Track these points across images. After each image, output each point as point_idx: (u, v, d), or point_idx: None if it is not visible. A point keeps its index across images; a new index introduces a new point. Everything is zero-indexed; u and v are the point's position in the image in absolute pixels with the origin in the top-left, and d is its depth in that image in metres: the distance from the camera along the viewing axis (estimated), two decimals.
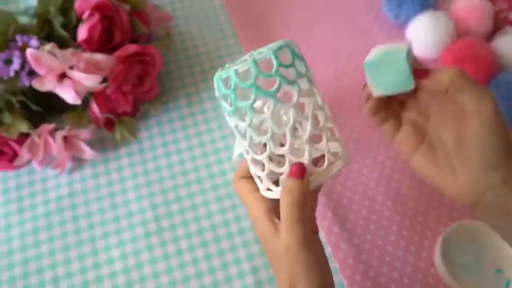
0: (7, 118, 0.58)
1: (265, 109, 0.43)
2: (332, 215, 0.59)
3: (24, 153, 0.60)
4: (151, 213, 0.60)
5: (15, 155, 0.61)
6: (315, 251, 0.40)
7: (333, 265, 0.56)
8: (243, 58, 0.42)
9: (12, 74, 0.56)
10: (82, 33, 0.58)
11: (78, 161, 0.64)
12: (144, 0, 0.65)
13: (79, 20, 0.59)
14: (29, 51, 0.54)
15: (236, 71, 0.38)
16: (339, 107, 0.67)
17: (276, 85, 0.37)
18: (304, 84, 0.40)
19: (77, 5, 0.59)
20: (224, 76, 0.39)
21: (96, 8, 0.58)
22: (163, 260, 0.57)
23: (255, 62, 0.37)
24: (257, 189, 0.44)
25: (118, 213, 0.60)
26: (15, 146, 0.60)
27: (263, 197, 0.43)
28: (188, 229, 0.59)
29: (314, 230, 0.44)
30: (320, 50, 0.73)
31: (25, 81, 0.56)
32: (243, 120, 0.39)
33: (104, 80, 0.58)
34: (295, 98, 0.38)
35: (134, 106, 0.65)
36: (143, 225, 0.59)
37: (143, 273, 0.56)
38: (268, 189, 0.42)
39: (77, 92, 0.55)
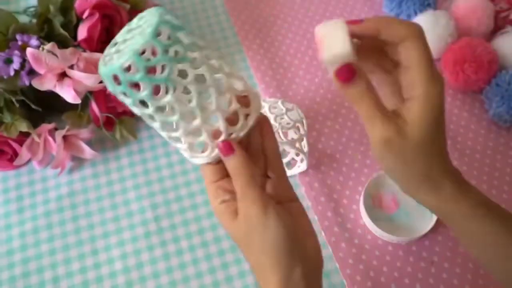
0: (7, 117, 0.58)
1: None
2: (332, 215, 0.59)
3: (24, 153, 0.60)
4: (151, 212, 0.60)
5: (15, 154, 0.61)
6: (270, 220, 0.37)
7: (334, 264, 0.56)
8: (123, 36, 0.39)
9: (12, 73, 0.56)
10: (82, 32, 0.58)
11: (78, 161, 0.64)
12: (144, 0, 0.65)
13: (79, 20, 0.59)
14: (29, 51, 0.54)
15: (121, 67, 0.35)
16: (339, 106, 0.67)
17: (167, 70, 0.35)
18: (194, 54, 0.37)
19: (77, 4, 0.59)
20: (110, 74, 0.36)
21: (96, 8, 0.58)
22: (163, 260, 0.57)
23: (137, 53, 0.34)
24: (217, 177, 0.40)
25: (118, 213, 0.60)
26: (15, 145, 0.60)
27: (221, 187, 0.40)
28: (188, 229, 0.59)
29: (282, 200, 0.40)
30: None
31: (25, 81, 0.56)
32: (147, 107, 0.37)
33: None
34: (191, 74, 0.36)
35: None
36: (143, 225, 0.59)
37: (143, 273, 0.56)
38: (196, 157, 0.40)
39: (77, 92, 0.55)
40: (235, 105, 0.38)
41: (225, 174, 0.40)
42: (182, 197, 0.61)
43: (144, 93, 0.36)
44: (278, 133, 0.56)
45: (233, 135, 0.38)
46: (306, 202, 0.60)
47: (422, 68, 0.35)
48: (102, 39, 0.60)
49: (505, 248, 0.38)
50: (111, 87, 0.37)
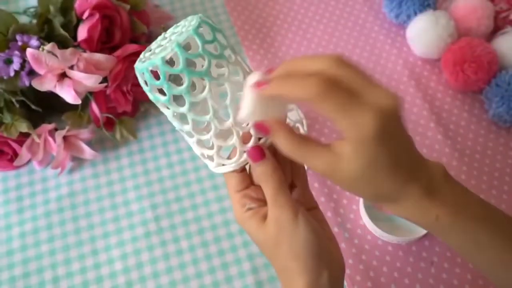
0: (7, 118, 0.58)
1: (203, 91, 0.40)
2: (332, 215, 0.59)
3: (24, 153, 0.60)
4: (151, 213, 0.60)
5: (15, 155, 0.61)
6: (299, 225, 0.37)
7: None
8: (158, 42, 0.40)
9: (12, 73, 0.56)
10: (82, 32, 0.58)
11: (78, 161, 0.64)
12: (144, 0, 0.65)
13: (79, 20, 0.59)
14: (29, 51, 0.54)
15: (163, 59, 0.36)
16: None
17: (206, 63, 0.36)
18: (229, 54, 0.38)
19: (77, 5, 0.59)
20: (150, 67, 0.37)
21: (96, 8, 0.58)
22: (163, 260, 0.57)
23: (179, 45, 0.35)
24: (243, 186, 0.40)
25: (118, 213, 0.60)
26: (15, 146, 0.60)
27: (246, 195, 0.40)
28: (188, 229, 0.59)
29: (307, 207, 0.41)
30: (320, 50, 0.73)
31: (25, 81, 0.56)
32: (181, 106, 0.38)
33: (104, 80, 0.58)
34: (227, 72, 0.37)
35: (134, 106, 0.65)
36: (143, 225, 0.59)
37: (143, 273, 0.56)
38: (222, 165, 0.40)
39: (77, 92, 0.55)
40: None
41: (249, 183, 0.40)
42: (182, 197, 0.61)
43: (184, 86, 0.36)
44: None
45: (262, 140, 0.38)
46: None
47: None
48: (102, 40, 0.60)
49: (497, 254, 0.37)
50: (149, 81, 0.37)
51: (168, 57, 0.36)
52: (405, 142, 0.35)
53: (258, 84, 0.35)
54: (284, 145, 0.35)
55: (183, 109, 0.38)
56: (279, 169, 0.38)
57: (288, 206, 0.37)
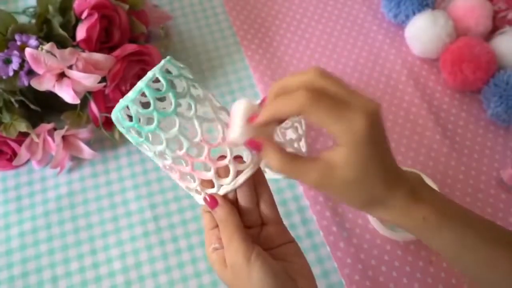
0: (6, 117, 0.58)
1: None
2: (330, 214, 0.59)
3: (23, 153, 0.61)
4: (150, 212, 0.60)
5: (14, 154, 0.61)
6: (254, 268, 0.38)
7: (332, 264, 0.56)
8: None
9: (11, 73, 0.56)
10: (80, 32, 0.58)
11: (77, 161, 0.64)
12: (143, 0, 0.65)
13: (78, 20, 0.59)
14: (28, 51, 0.54)
15: (132, 100, 0.38)
16: None
17: (173, 102, 0.38)
18: (197, 90, 0.40)
19: (76, 4, 0.59)
20: (122, 107, 0.38)
21: (95, 8, 0.58)
22: (162, 259, 0.57)
23: (147, 86, 0.37)
24: (212, 225, 0.42)
25: (117, 213, 0.60)
26: (14, 145, 0.60)
27: (215, 235, 0.41)
28: (187, 228, 0.59)
29: (277, 244, 0.41)
30: (319, 49, 0.73)
31: (24, 81, 0.56)
32: (157, 144, 0.39)
33: (103, 79, 0.58)
34: (192, 109, 0.39)
35: None
36: (142, 225, 0.59)
37: (142, 273, 0.56)
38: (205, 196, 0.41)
39: (75, 92, 0.55)
40: (228, 159, 0.39)
41: None
42: (180, 197, 0.61)
43: (153, 126, 0.38)
44: (277, 133, 0.56)
45: (223, 188, 0.40)
46: (304, 202, 0.60)
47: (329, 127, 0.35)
48: (101, 39, 0.61)
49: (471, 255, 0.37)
50: (122, 122, 0.39)
51: (134, 97, 0.38)
52: (389, 148, 0.37)
53: (251, 119, 0.37)
54: (275, 162, 0.36)
55: (160, 147, 0.39)
56: (235, 214, 0.40)
57: (241, 250, 0.38)
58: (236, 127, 0.38)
